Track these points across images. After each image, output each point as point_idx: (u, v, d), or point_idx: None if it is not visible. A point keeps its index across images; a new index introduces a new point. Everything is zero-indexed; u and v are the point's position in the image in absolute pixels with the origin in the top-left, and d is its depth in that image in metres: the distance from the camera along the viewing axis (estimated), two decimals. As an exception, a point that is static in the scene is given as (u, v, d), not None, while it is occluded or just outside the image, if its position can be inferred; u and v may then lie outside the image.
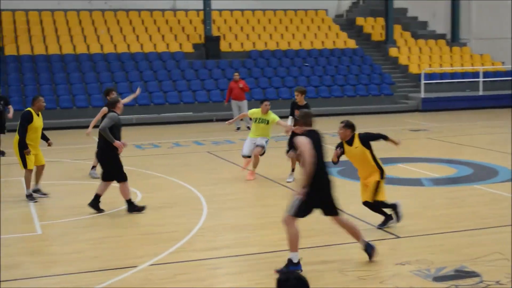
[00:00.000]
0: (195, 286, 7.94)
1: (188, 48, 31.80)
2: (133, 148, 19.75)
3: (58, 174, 15.83)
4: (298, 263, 8.24)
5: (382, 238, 9.86)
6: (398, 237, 9.88)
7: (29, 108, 12.82)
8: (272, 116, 14.51)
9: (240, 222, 11.02)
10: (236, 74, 24.85)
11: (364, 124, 25.27)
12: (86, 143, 19.74)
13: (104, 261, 8.95)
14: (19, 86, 27.34)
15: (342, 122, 10.24)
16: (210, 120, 26.90)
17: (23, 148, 12.48)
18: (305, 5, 36.02)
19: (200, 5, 32.34)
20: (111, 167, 11.59)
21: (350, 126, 10.12)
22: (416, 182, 14.02)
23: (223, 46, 32.02)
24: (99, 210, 11.62)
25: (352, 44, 34.18)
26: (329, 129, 23.65)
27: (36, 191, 13.01)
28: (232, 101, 24.42)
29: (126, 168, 15.96)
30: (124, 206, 11.82)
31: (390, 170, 15.18)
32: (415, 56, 33.93)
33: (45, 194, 13.05)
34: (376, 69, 32.44)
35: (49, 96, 26.91)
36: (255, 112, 14.64)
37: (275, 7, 35.70)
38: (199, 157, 18.05)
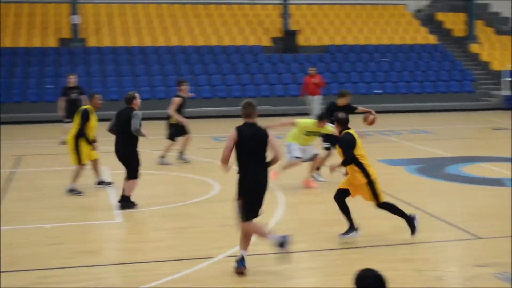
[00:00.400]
0: (270, 280, 7.95)
1: (266, 41, 31.87)
2: (210, 140, 19.96)
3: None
4: (284, 236, 7.99)
5: (461, 238, 9.67)
6: (479, 237, 9.65)
7: (87, 106, 12.85)
8: (329, 128, 12.97)
9: (318, 217, 10.97)
10: (312, 68, 24.62)
11: (444, 122, 24.86)
12: (163, 134, 20.03)
13: (181, 251, 9.06)
14: (100, 78, 27.97)
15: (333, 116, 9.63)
16: (287, 114, 26.86)
17: (78, 143, 12.60)
18: (385, -1, 35.69)
19: (279, -2, 32.41)
20: (133, 165, 11.50)
21: (336, 120, 9.45)
22: (497, 182, 13.66)
23: (301, 40, 31.96)
24: (133, 205, 11.49)
25: (432, 39, 33.59)
26: (406, 125, 23.40)
27: (101, 182, 13.25)
28: (307, 96, 24.33)
29: (203, 160, 16.22)
30: (201, 198, 11.95)
31: (471, 169, 14.88)
32: (498, 53, 33.09)
33: (109, 184, 13.31)
34: (457, 66, 31.80)
35: (129, 88, 27.42)
36: (308, 125, 13.00)
37: (354, 1, 35.43)
38: (275, 150, 18.05)
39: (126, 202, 11.37)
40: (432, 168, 15.04)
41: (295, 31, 31.92)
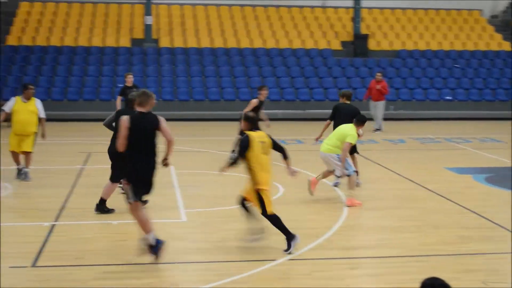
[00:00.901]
0: (331, 285, 7.92)
1: (336, 45, 31.74)
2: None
3: (204, 164, 16.26)
4: (157, 240, 8.46)
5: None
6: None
7: None
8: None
9: (381, 223, 10.87)
10: (379, 74, 24.12)
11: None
12: (231, 135, 20.15)
13: (244, 252, 9.10)
14: (171, 77, 28.34)
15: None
16: (355, 119, 26.63)
17: None
18: (459, 4, 34.99)
19: (350, 2, 32.18)
20: (119, 166, 10.99)
21: (244, 119, 9.25)
22: None
23: (372, 45, 31.71)
24: (108, 211, 11.20)
25: (507, 46, 32.82)
26: (476, 133, 22.92)
27: None
28: (370, 101, 23.94)
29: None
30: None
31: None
32: None
33: None
34: (532, 74, 30.99)
35: (199, 88, 27.75)
36: (355, 135, 12.21)
37: (427, 6, 34.93)
38: (342, 155, 17.96)
39: (101, 206, 11.14)
40: (502, 177, 14.71)
41: (366, 35, 31.68)
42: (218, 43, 30.87)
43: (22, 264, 8.44)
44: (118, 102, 19.47)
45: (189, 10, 33.04)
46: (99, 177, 14.36)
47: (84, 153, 17.53)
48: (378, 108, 23.50)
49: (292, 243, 9.02)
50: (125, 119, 8.37)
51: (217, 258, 8.85)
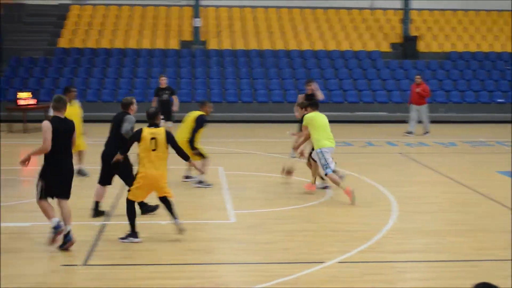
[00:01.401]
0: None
1: (385, 47, 31.49)
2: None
3: (252, 166, 16.26)
4: (67, 233, 8.89)
5: None
6: None
7: (202, 112, 13.26)
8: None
9: (432, 227, 10.72)
10: (418, 76, 23.40)
11: None
12: (279, 137, 20.16)
13: (293, 254, 9.07)
14: (219, 79, 28.46)
15: None
16: (404, 121, 26.37)
17: (193, 146, 13.09)
18: (511, 5, 34.39)
19: (399, 4, 31.91)
20: (125, 170, 11.05)
21: (146, 114, 9.78)
22: None
23: (421, 46, 31.38)
24: (101, 214, 11.09)
25: (562, 48, 32.15)
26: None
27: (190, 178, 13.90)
28: (411, 104, 23.22)
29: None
30: (315, 202, 11.97)
31: None
32: None
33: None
34: None
35: (247, 90, 27.83)
36: None
37: (478, 7, 34.39)
38: (391, 158, 17.82)
39: (96, 209, 11.05)
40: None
41: (415, 37, 31.35)
42: (266, 45, 30.91)
43: (74, 262, 8.56)
44: (154, 104, 19.56)
45: (237, 12, 33.17)
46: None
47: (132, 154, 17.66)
48: (421, 112, 22.78)
49: (130, 239, 9.42)
50: (47, 124, 8.80)
51: (265, 260, 8.84)
